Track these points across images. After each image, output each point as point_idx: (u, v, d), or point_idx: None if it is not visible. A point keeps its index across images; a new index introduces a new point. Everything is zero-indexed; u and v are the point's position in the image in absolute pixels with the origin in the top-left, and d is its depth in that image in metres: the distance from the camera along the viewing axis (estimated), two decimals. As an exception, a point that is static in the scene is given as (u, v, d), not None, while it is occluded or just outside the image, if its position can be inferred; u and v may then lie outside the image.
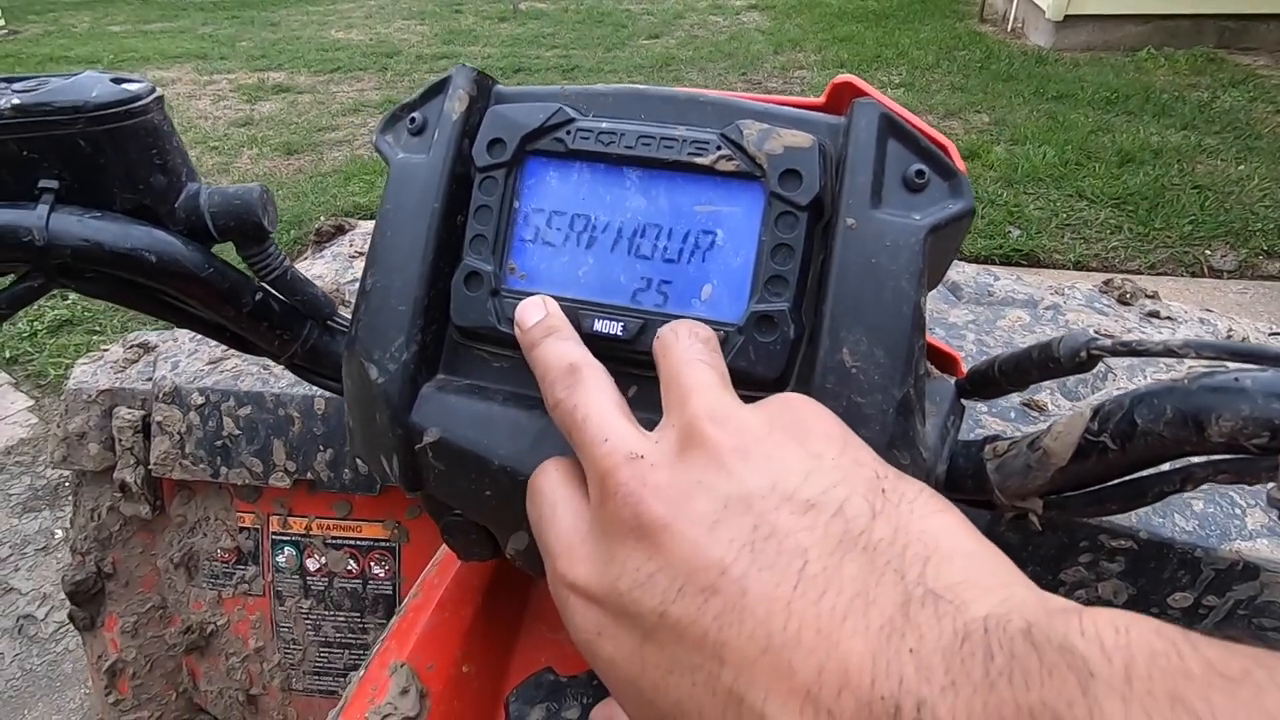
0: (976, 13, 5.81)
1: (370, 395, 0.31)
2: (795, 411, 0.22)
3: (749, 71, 4.80)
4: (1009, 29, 5.38)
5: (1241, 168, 3.14)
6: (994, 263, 2.68)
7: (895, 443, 0.26)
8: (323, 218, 3.23)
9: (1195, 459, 0.22)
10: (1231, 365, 0.21)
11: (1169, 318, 0.75)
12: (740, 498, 0.19)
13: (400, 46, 5.90)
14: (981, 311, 0.75)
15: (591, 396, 0.24)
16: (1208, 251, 2.66)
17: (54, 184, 0.29)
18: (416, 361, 0.30)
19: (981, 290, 0.80)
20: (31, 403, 2.28)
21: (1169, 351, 0.21)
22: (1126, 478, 0.25)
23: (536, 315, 0.28)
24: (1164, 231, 2.77)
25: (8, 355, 2.45)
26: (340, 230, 0.96)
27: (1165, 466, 0.24)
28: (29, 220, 0.28)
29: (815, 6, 6.44)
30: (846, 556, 0.18)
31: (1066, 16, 4.71)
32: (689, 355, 0.24)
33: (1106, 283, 0.82)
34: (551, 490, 0.24)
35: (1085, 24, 4.74)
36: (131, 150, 0.30)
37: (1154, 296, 0.80)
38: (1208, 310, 0.78)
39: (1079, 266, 2.67)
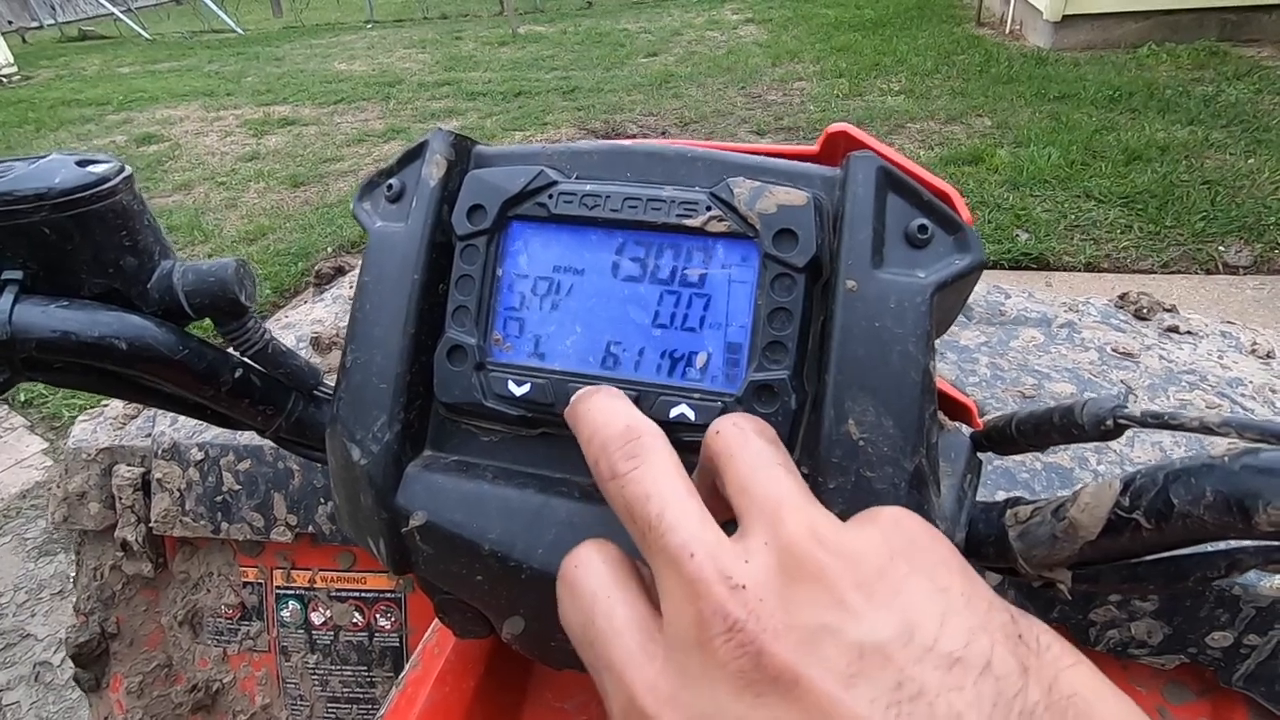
0: (973, 16, 5.81)
1: (353, 476, 0.29)
2: (907, 533, 0.20)
3: (748, 85, 4.81)
4: (1007, 31, 5.37)
5: (1251, 161, 3.09)
6: (1003, 267, 2.65)
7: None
8: (330, 248, 3.26)
9: (1241, 543, 0.20)
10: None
11: (1189, 332, 0.73)
12: (876, 646, 0.17)
13: (402, 75, 5.97)
14: (994, 332, 0.73)
15: (662, 479, 0.20)
16: (1221, 248, 2.61)
17: (18, 274, 0.28)
18: (400, 440, 0.29)
19: (993, 309, 0.77)
20: (46, 445, 2.29)
21: (1205, 429, 0.20)
22: (1165, 554, 0.23)
23: (585, 389, 0.25)
24: (1175, 229, 2.73)
25: (22, 399, 2.47)
26: (340, 271, 0.95)
27: (1208, 547, 0.22)
28: None
29: (812, 18, 6.47)
30: None
31: (1065, 16, 4.70)
32: (763, 459, 0.21)
33: (1122, 297, 0.79)
34: (604, 592, 0.21)
35: (1084, 23, 4.72)
36: (99, 234, 0.29)
37: (1172, 310, 0.77)
38: (1229, 322, 0.75)
39: (1090, 268, 2.63)
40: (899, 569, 0.18)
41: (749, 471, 0.21)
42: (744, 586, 0.18)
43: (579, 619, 0.21)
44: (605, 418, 0.23)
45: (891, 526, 0.20)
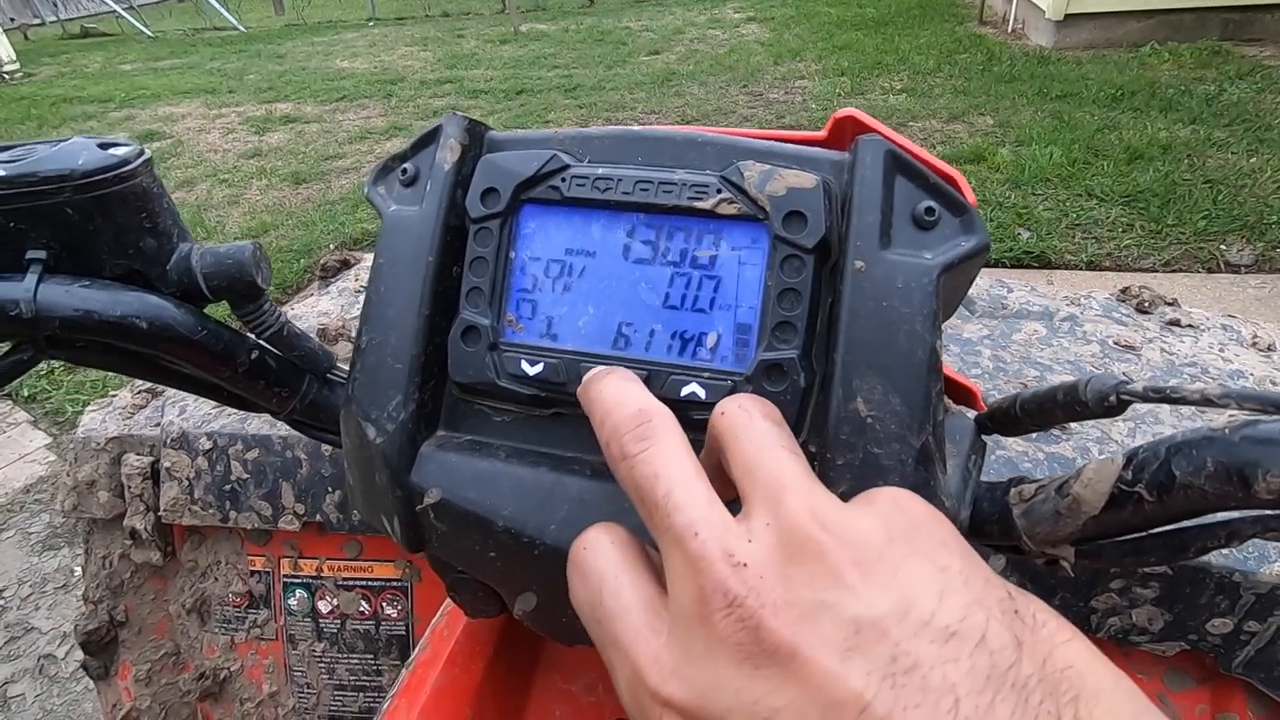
0: (976, 15, 5.81)
1: (369, 455, 0.30)
2: (908, 514, 0.20)
3: (750, 83, 4.81)
4: (1009, 30, 5.37)
5: (1253, 160, 3.10)
6: (1004, 266, 2.65)
7: (916, 493, 0.25)
8: (332, 245, 3.26)
9: (1241, 513, 0.21)
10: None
11: (1190, 325, 0.73)
12: (872, 621, 0.17)
13: (404, 73, 5.98)
14: (996, 325, 0.74)
15: (672, 461, 0.21)
16: (1223, 246, 2.61)
17: (42, 254, 0.28)
18: (415, 420, 0.29)
19: (995, 303, 0.78)
20: (50, 440, 2.30)
21: (1206, 400, 0.20)
22: (1166, 528, 0.24)
23: (598, 369, 0.25)
24: (1177, 228, 2.73)
25: (26, 393, 2.48)
26: (345, 265, 0.96)
27: (1209, 518, 0.22)
28: (16, 293, 0.28)
29: (813, 16, 6.47)
30: (998, 696, 0.16)
31: (1067, 15, 4.70)
32: (768, 441, 0.22)
33: (1124, 291, 0.80)
34: (611, 572, 0.22)
35: (1086, 22, 4.72)
36: (120, 216, 0.29)
37: (1173, 304, 0.78)
38: (1230, 316, 0.75)
39: (1091, 266, 2.63)
40: (898, 550, 0.19)
41: (754, 453, 0.22)
42: (745, 564, 0.19)
43: (588, 598, 0.22)
44: (618, 400, 0.23)
45: (892, 508, 0.20)
